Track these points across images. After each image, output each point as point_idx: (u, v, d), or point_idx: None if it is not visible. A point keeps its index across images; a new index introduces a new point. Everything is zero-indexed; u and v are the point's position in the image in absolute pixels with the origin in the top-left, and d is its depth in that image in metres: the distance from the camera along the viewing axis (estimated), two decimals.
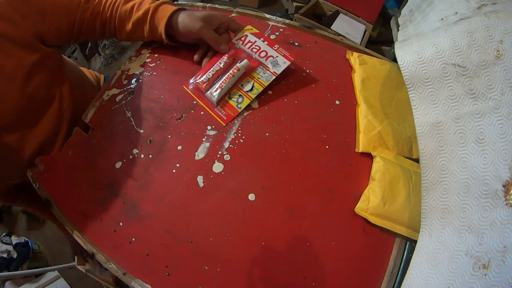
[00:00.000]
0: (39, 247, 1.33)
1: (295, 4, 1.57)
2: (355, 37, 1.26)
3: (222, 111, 0.46)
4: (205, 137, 0.44)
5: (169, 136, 0.45)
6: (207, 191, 0.40)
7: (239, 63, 0.46)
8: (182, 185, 0.41)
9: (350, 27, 1.30)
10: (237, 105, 0.45)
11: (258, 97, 0.47)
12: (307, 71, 0.50)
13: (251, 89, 0.46)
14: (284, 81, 0.49)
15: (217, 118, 0.45)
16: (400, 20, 0.63)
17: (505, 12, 0.36)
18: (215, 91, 0.45)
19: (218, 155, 0.42)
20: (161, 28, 0.48)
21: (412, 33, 0.54)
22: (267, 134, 0.44)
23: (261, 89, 0.45)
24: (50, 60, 0.49)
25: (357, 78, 0.49)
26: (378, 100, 0.47)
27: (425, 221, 0.37)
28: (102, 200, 0.42)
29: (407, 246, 0.38)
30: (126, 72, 0.54)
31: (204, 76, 0.46)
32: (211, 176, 0.41)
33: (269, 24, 0.57)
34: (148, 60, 0.55)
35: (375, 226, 0.38)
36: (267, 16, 0.59)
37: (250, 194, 0.40)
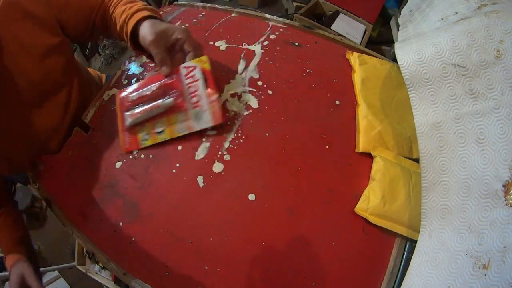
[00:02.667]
0: (39, 247, 1.33)
1: (295, 4, 1.56)
2: (355, 37, 1.26)
3: (128, 138, 0.44)
4: (205, 137, 0.44)
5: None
6: (207, 191, 0.40)
7: (163, 100, 0.42)
8: (182, 185, 0.41)
9: (350, 27, 1.30)
10: (142, 141, 0.43)
11: (258, 97, 0.47)
12: (307, 71, 0.50)
13: (160, 133, 0.42)
14: (284, 81, 0.49)
15: (121, 141, 0.44)
16: (400, 20, 0.63)
17: (505, 12, 0.36)
18: (130, 117, 0.43)
19: (218, 155, 0.42)
20: (128, 36, 0.46)
21: (412, 33, 0.54)
22: (267, 134, 0.44)
23: (169, 137, 0.42)
24: (66, 48, 0.50)
25: (357, 78, 0.49)
26: (378, 100, 0.47)
27: (425, 221, 0.37)
28: (102, 200, 0.42)
29: (407, 246, 0.38)
30: (126, 72, 0.54)
31: (132, 95, 0.45)
32: (211, 176, 0.41)
33: (269, 24, 0.57)
34: (148, 60, 0.55)
35: (375, 226, 0.38)
36: (267, 16, 0.59)
37: (250, 194, 0.40)
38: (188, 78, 0.42)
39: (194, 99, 0.41)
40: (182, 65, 0.43)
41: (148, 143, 0.43)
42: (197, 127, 0.41)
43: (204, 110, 0.40)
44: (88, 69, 0.70)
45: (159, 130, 0.42)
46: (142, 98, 0.43)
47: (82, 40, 0.55)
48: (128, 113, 0.44)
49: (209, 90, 0.41)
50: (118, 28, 0.48)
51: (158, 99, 0.42)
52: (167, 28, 0.43)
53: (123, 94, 0.46)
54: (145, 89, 0.44)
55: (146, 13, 0.45)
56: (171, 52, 0.44)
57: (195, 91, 0.41)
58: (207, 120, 0.40)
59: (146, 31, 0.43)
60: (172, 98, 0.42)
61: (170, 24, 0.45)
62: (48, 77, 0.47)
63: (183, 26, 0.45)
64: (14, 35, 0.42)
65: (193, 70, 0.41)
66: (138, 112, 0.43)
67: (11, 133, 0.46)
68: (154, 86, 0.43)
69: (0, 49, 0.41)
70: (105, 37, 0.53)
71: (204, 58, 0.42)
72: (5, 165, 0.48)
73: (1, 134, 0.45)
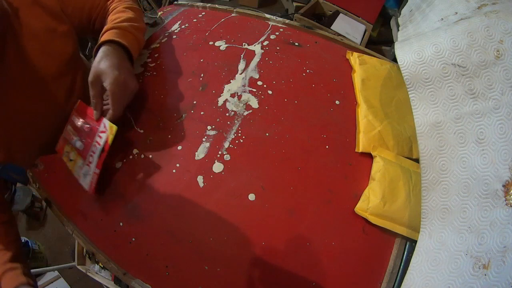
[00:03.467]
0: (39, 247, 1.33)
1: (295, 4, 1.56)
2: (355, 37, 1.26)
3: (61, 141, 0.45)
4: (205, 137, 0.44)
5: (169, 136, 0.45)
6: (207, 191, 0.40)
7: (77, 139, 0.43)
8: (182, 185, 0.41)
9: (350, 27, 1.30)
10: (65, 151, 0.45)
11: (258, 97, 0.47)
12: (307, 71, 0.50)
13: (70, 160, 0.44)
14: (284, 81, 0.49)
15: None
16: (400, 20, 0.63)
17: (505, 12, 0.36)
18: (65, 128, 0.46)
19: (218, 155, 0.42)
20: (95, 48, 0.46)
21: (412, 33, 0.54)
22: (267, 134, 0.44)
23: (71, 169, 0.43)
24: (72, 37, 0.51)
25: (357, 78, 0.49)
26: (378, 100, 0.47)
27: (425, 221, 0.37)
28: (102, 200, 0.42)
29: (407, 246, 0.38)
30: None
31: (77, 117, 0.45)
32: (211, 176, 0.41)
33: (269, 24, 0.57)
34: (148, 60, 0.55)
35: (375, 226, 0.38)
36: (267, 16, 0.59)
37: (250, 194, 0.40)
38: (99, 136, 0.42)
39: (90, 158, 0.42)
40: (104, 119, 0.42)
41: (65, 159, 0.44)
42: (81, 181, 0.42)
43: (89, 174, 0.41)
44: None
45: (71, 158, 0.44)
46: (73, 123, 0.45)
47: (88, 34, 0.57)
48: (68, 126, 0.45)
49: (97, 161, 0.41)
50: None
51: (76, 136, 0.44)
52: (102, 71, 0.41)
53: (80, 109, 0.46)
54: (80, 119, 0.44)
55: (109, 36, 0.45)
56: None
57: (94, 153, 0.41)
58: (86, 182, 0.42)
59: (92, 65, 0.43)
60: (81, 144, 0.43)
61: (111, 65, 0.42)
62: (53, 61, 0.48)
63: (119, 74, 0.42)
64: (25, 20, 0.44)
65: (103, 133, 0.41)
66: (65, 130, 0.45)
67: (10, 117, 0.45)
68: (81, 121, 0.44)
69: (12, 32, 0.42)
70: None
71: (114, 129, 0.40)
72: (2, 153, 0.47)
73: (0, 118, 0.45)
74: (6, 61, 0.42)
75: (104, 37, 0.45)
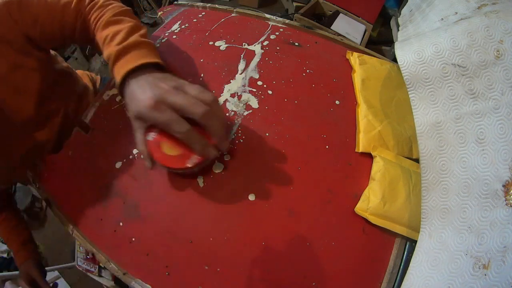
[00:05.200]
0: (39, 247, 1.33)
1: (295, 4, 1.57)
2: (355, 37, 1.26)
3: None
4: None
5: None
6: (207, 191, 0.40)
7: None
8: (182, 185, 0.41)
9: (350, 27, 1.30)
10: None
11: (258, 97, 0.47)
12: (307, 71, 0.50)
13: None
14: (284, 81, 0.49)
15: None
16: (400, 20, 0.63)
17: (505, 12, 0.36)
18: None
19: (218, 155, 0.42)
20: (118, 92, 0.39)
21: (412, 33, 0.54)
22: (267, 134, 0.44)
23: None
24: (44, 70, 0.47)
25: (357, 78, 0.49)
26: (378, 100, 0.47)
27: (425, 221, 0.37)
28: (102, 200, 0.42)
29: (407, 246, 0.38)
30: None
31: None
32: (211, 176, 0.41)
33: (269, 24, 0.57)
34: None
35: (375, 226, 0.38)
36: (267, 16, 0.59)
37: (250, 194, 0.40)
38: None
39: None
40: None
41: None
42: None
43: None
44: (81, 72, 0.68)
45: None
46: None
47: (60, 47, 0.52)
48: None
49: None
50: (104, 58, 0.41)
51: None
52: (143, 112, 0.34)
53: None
54: None
55: (130, 63, 0.37)
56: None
57: None
58: None
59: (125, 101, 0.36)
60: None
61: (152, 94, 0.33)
62: (29, 98, 0.45)
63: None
64: None
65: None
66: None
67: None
68: None
69: None
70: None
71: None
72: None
73: None
74: None
75: (120, 69, 0.37)
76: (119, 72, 0.37)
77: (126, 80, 0.37)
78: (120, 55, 0.38)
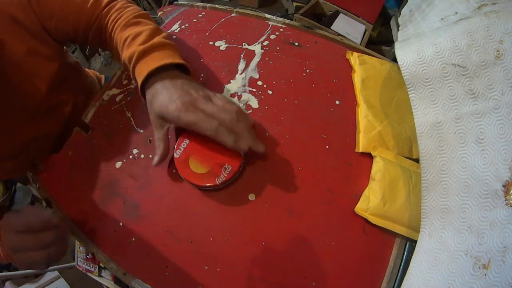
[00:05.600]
0: None
1: (295, 4, 1.57)
2: (355, 37, 1.26)
3: None
4: None
5: (169, 136, 0.45)
6: (207, 191, 0.40)
7: None
8: (182, 185, 0.41)
9: (350, 27, 1.30)
10: None
11: (258, 97, 0.47)
12: (307, 71, 0.50)
13: None
14: (284, 81, 0.49)
15: None
16: (400, 20, 0.63)
17: (505, 12, 0.36)
18: None
19: None
20: (139, 90, 0.39)
21: (412, 33, 0.54)
22: (267, 134, 0.44)
23: None
24: (58, 60, 0.48)
25: (357, 78, 0.49)
26: (378, 100, 0.47)
27: (425, 221, 0.37)
28: (102, 200, 0.42)
29: (407, 246, 0.38)
30: (126, 72, 0.53)
31: None
32: None
33: (269, 24, 0.57)
34: None
35: (375, 226, 0.38)
36: (267, 16, 0.59)
37: (250, 194, 0.40)
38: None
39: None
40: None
41: None
42: None
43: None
44: (87, 70, 0.70)
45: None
46: None
47: (72, 42, 0.53)
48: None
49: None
50: (122, 60, 0.43)
51: None
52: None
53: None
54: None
55: (153, 62, 0.37)
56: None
57: None
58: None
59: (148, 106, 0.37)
60: None
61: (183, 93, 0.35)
62: (42, 84, 0.46)
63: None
64: (6, 44, 0.40)
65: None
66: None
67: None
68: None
69: None
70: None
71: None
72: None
73: None
74: None
75: (145, 68, 0.37)
76: (141, 70, 0.38)
77: (150, 79, 0.37)
78: (144, 54, 0.39)
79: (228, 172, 0.37)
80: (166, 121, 0.37)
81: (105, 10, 0.46)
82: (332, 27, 1.27)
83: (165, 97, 0.35)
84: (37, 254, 0.34)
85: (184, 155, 0.38)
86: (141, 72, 0.38)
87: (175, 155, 0.38)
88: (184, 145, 0.39)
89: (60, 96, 0.51)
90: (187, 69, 0.41)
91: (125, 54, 0.41)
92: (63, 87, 0.51)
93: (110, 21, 0.45)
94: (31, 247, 0.34)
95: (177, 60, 0.39)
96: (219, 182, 0.37)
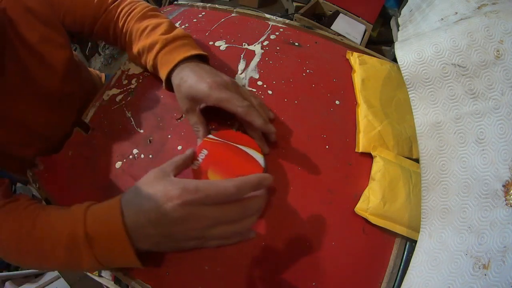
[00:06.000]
0: None
1: (295, 4, 1.57)
2: (355, 37, 1.26)
3: None
4: None
5: (169, 136, 0.45)
6: None
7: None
8: None
9: (350, 27, 1.30)
10: None
11: (258, 97, 0.47)
12: (307, 71, 0.50)
13: None
14: (284, 81, 0.49)
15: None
16: (400, 20, 0.63)
17: (505, 12, 0.36)
18: None
19: None
20: (163, 77, 0.42)
21: (412, 33, 0.54)
22: None
23: None
24: (69, 48, 0.49)
25: (357, 78, 0.49)
26: (378, 100, 0.47)
27: (425, 221, 0.37)
28: (102, 200, 0.42)
29: (407, 246, 0.38)
30: (126, 72, 0.53)
31: None
32: None
33: (269, 24, 0.57)
34: None
35: (375, 226, 0.38)
36: (267, 16, 0.59)
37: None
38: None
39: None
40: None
41: None
42: None
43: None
44: (90, 69, 0.70)
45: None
46: None
47: (87, 38, 0.56)
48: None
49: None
50: (135, 49, 0.45)
51: None
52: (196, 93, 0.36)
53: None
54: None
55: (180, 53, 0.39)
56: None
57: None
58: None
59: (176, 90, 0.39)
60: None
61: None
62: (54, 72, 0.47)
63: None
64: (19, 31, 0.41)
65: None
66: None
67: (11, 130, 0.45)
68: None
69: (10, 44, 0.41)
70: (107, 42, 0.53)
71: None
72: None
73: None
74: (7, 74, 0.41)
75: (173, 57, 0.40)
76: (168, 59, 0.40)
77: (177, 67, 0.40)
78: (168, 43, 0.41)
79: None
80: (196, 100, 0.37)
81: (114, 4, 0.49)
82: (332, 27, 1.27)
83: (194, 78, 0.37)
84: (238, 225, 0.31)
85: (203, 167, 0.37)
86: (168, 60, 0.40)
87: (193, 166, 0.37)
88: (202, 155, 0.37)
89: (71, 86, 0.52)
90: (208, 62, 0.44)
91: (144, 43, 0.43)
92: (74, 77, 0.52)
93: (122, 13, 0.47)
94: (236, 217, 0.30)
95: (201, 51, 0.42)
96: None
